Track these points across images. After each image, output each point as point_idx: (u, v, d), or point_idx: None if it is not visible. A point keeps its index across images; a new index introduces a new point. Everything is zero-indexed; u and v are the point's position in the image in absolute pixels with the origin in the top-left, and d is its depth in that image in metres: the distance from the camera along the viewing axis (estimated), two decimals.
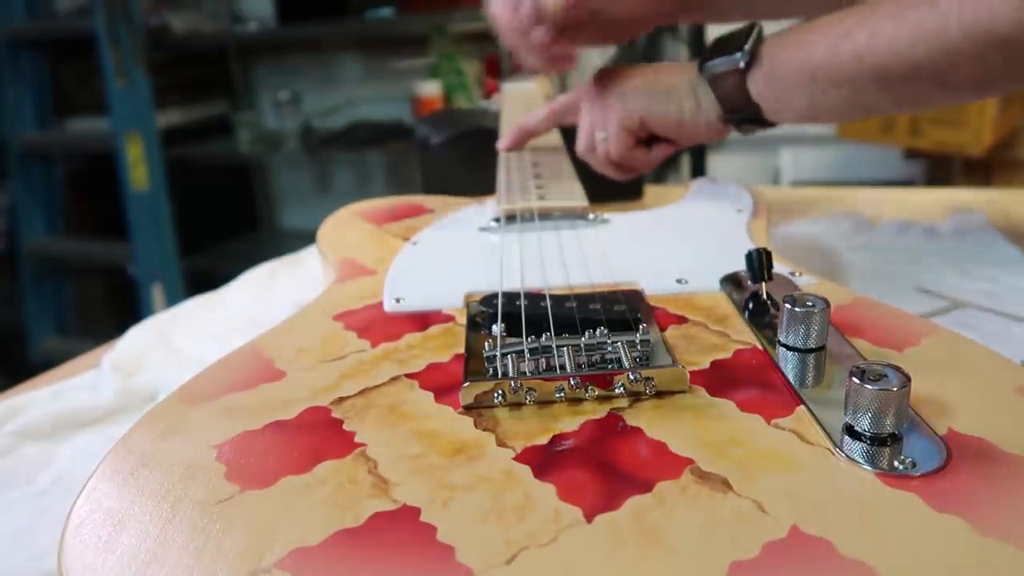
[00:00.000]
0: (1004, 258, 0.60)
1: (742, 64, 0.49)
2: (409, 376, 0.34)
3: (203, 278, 1.89)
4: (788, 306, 0.33)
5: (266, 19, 2.08)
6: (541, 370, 0.33)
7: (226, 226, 2.29)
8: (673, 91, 0.54)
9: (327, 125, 2.16)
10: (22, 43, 2.10)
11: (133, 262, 2.05)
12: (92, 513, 0.27)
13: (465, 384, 0.31)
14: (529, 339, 0.34)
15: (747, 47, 0.49)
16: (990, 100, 1.47)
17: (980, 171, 1.59)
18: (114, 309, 2.32)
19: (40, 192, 2.22)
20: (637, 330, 0.34)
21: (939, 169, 1.71)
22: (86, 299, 2.35)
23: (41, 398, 0.48)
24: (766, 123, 0.52)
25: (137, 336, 0.56)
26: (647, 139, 0.57)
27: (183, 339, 0.56)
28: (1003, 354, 0.33)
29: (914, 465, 0.26)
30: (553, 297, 0.39)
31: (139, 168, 1.97)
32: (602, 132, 0.57)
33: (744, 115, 0.51)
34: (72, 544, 0.25)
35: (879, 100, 0.45)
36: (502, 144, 0.67)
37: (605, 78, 0.57)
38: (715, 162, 1.90)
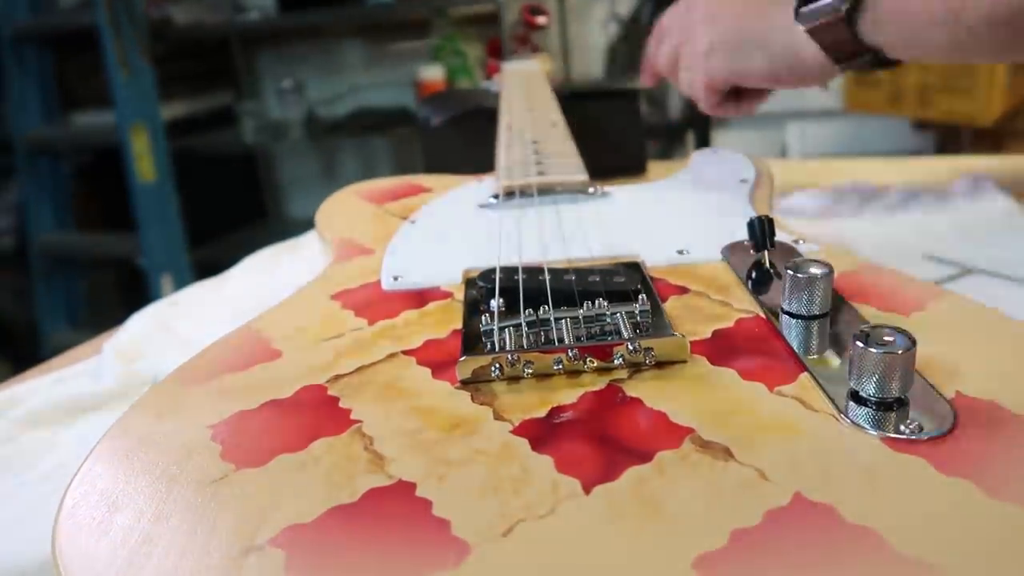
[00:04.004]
0: (1014, 223, 0.59)
1: (843, 10, 0.43)
2: (406, 353, 0.33)
3: (212, 268, 1.88)
4: (791, 272, 0.32)
5: (267, 8, 2.07)
6: (539, 343, 0.32)
7: (233, 216, 2.29)
8: (763, 43, 0.48)
9: (331, 112, 2.16)
10: (26, 39, 2.10)
11: (142, 254, 2.05)
12: (87, 495, 0.26)
13: (462, 358, 0.31)
14: (527, 312, 0.34)
15: None
16: (999, 69, 1.44)
17: (989, 141, 1.57)
18: (124, 301, 2.33)
19: (48, 187, 2.22)
20: (636, 301, 0.34)
21: (948, 140, 1.69)
22: (97, 292, 2.36)
23: (42, 385, 0.47)
24: (891, 63, 0.46)
25: (138, 322, 0.56)
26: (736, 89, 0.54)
27: (184, 325, 0.56)
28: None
29: (920, 429, 0.25)
30: (552, 270, 0.38)
31: (145, 160, 1.97)
32: (687, 72, 0.54)
33: (861, 62, 0.46)
34: (66, 526, 0.25)
35: None
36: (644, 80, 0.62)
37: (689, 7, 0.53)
38: (721, 138, 1.89)
